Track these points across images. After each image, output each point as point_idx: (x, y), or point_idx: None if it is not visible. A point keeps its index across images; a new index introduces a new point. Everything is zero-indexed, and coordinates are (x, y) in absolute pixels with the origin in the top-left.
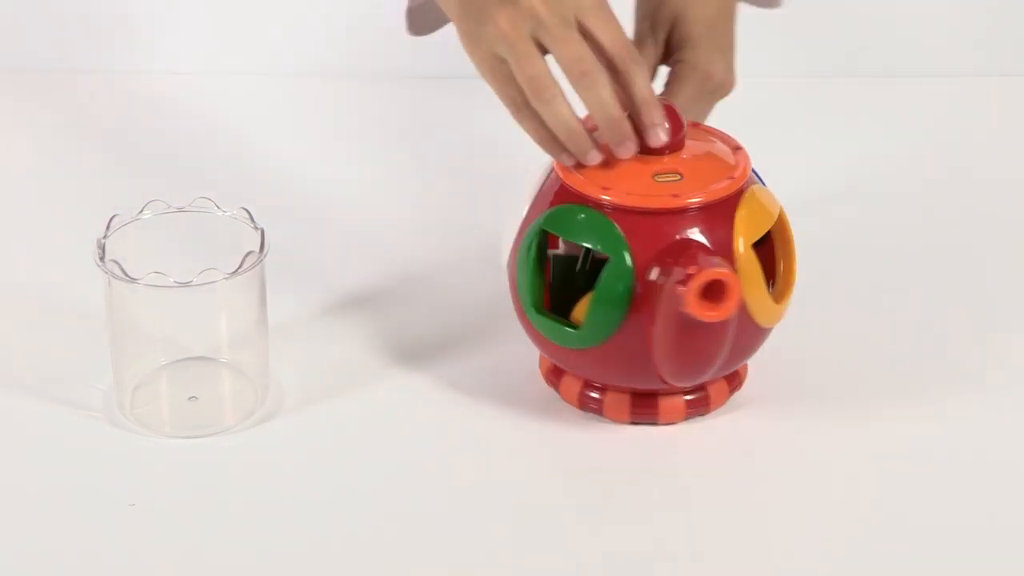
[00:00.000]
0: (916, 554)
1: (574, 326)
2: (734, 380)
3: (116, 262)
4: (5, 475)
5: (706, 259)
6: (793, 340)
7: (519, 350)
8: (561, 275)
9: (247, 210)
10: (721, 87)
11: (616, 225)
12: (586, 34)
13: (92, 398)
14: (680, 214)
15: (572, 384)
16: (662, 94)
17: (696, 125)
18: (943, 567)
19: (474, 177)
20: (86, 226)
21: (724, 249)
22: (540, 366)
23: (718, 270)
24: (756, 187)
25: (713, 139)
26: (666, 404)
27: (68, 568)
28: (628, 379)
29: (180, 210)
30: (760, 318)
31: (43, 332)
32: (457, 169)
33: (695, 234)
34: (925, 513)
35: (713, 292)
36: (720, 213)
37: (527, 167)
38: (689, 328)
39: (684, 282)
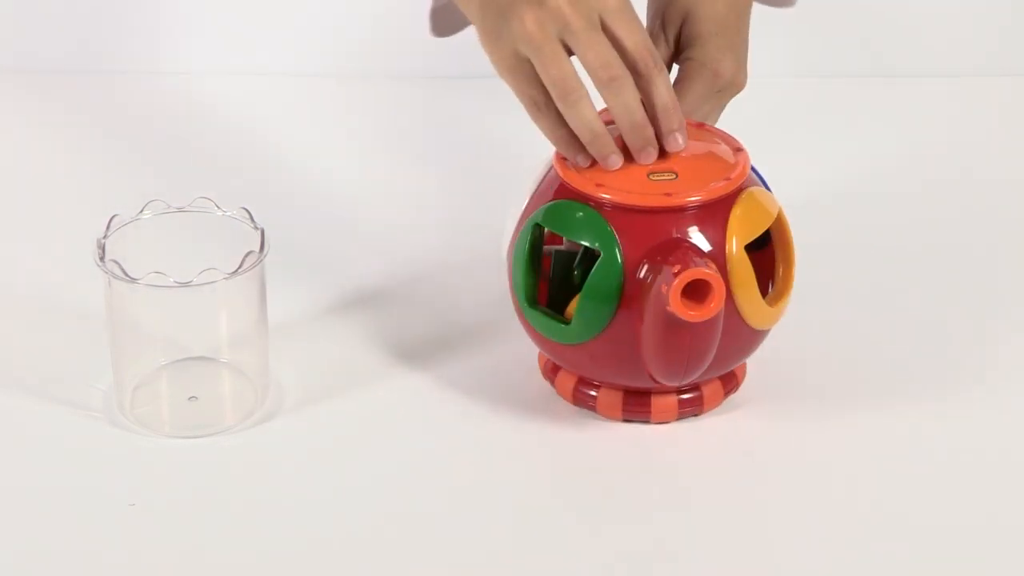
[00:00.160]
0: (916, 554)
1: (566, 321)
2: (730, 381)
3: (116, 262)
4: (5, 475)
5: (691, 259)
6: (793, 340)
7: (519, 350)
8: (561, 271)
9: (247, 210)
10: (731, 86)
11: (608, 222)
12: (610, 35)
13: (92, 398)
14: (674, 213)
15: (567, 380)
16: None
17: (701, 126)
18: (943, 567)
19: (475, 177)
20: (86, 226)
21: (717, 249)
22: (539, 361)
23: (702, 270)
24: (755, 188)
25: (716, 140)
26: (659, 403)
27: (68, 568)
28: (618, 376)
29: (180, 210)
30: (752, 320)
31: (43, 332)
32: (458, 169)
33: (688, 233)
34: (925, 513)
35: (697, 292)
36: (715, 213)
37: (532, 167)
38: (675, 327)
39: (668, 281)
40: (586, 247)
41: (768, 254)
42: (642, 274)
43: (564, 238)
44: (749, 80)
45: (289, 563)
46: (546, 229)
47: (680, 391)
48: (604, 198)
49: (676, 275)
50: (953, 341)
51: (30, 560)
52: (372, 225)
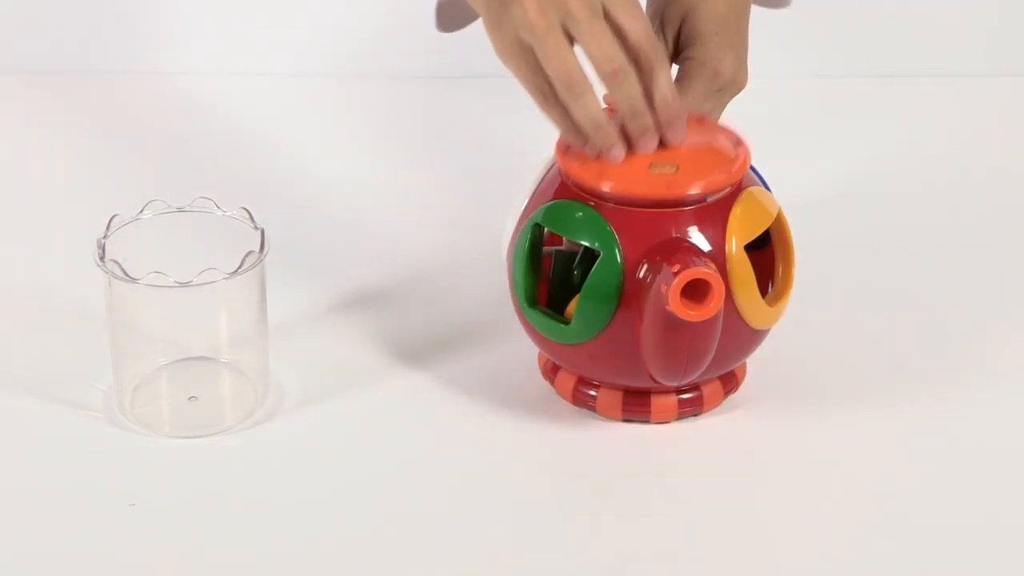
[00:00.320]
0: (916, 554)
1: (566, 321)
2: (730, 381)
3: (116, 262)
4: (5, 475)
5: (690, 258)
6: (793, 340)
7: (519, 349)
8: (562, 271)
9: (247, 210)
10: (731, 85)
11: (608, 222)
12: (612, 23)
13: (92, 398)
14: (674, 213)
15: (567, 380)
16: None
17: (701, 119)
18: (943, 567)
19: (476, 177)
20: (86, 226)
21: (717, 249)
22: (539, 361)
23: (701, 270)
24: (754, 188)
25: (716, 133)
26: (658, 402)
27: (68, 568)
28: (618, 376)
29: (180, 210)
30: (752, 320)
31: (43, 332)
32: (459, 169)
33: (688, 233)
34: (925, 513)
35: (696, 292)
36: (714, 212)
37: (533, 167)
38: (675, 327)
39: (668, 281)
40: (586, 247)
41: (768, 254)
42: (642, 274)
43: (564, 238)
44: (749, 80)
45: (289, 563)
46: (546, 229)
47: (680, 391)
48: (606, 191)
49: (676, 275)
50: (953, 341)
51: (30, 560)
52: (372, 225)
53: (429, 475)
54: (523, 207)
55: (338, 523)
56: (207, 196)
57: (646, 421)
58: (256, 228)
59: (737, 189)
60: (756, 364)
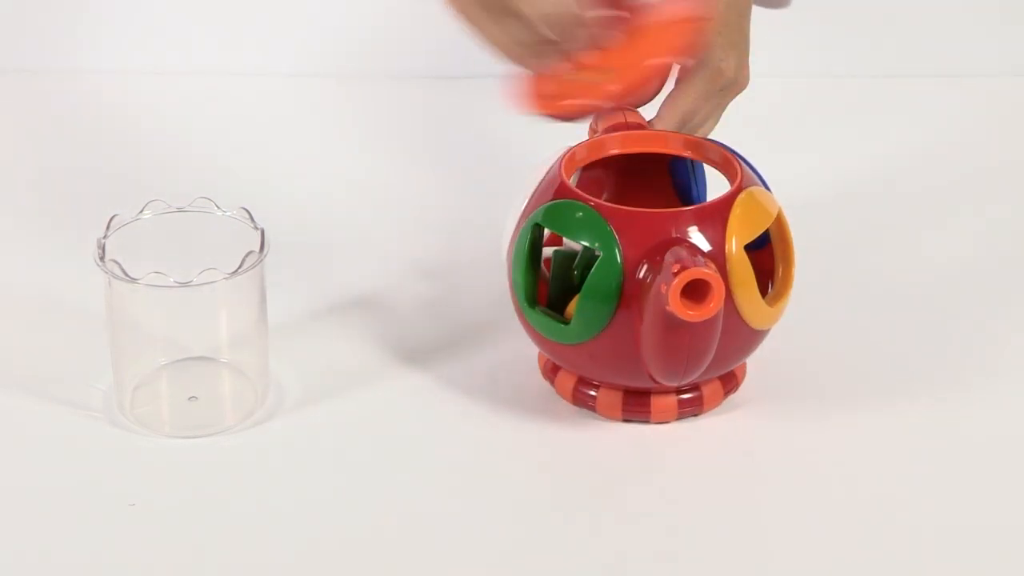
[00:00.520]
0: (916, 554)
1: (566, 321)
2: (730, 381)
3: (116, 262)
4: (5, 475)
5: (691, 258)
6: (793, 340)
7: (519, 349)
8: (562, 272)
9: (247, 210)
10: (734, 84)
11: (608, 222)
12: None
13: (92, 398)
14: (674, 213)
15: (567, 380)
16: (673, 91)
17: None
18: (943, 567)
19: (476, 177)
20: (86, 226)
21: (717, 249)
22: (539, 361)
23: (701, 270)
24: (754, 188)
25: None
26: (658, 403)
27: (68, 568)
28: (618, 376)
29: (180, 210)
30: (752, 320)
31: (43, 332)
32: (459, 169)
33: (688, 233)
34: (925, 513)
35: (696, 292)
36: (715, 213)
37: (533, 166)
38: (675, 327)
39: (668, 281)
40: (586, 247)
41: (768, 254)
42: (641, 274)
43: (564, 238)
44: (751, 80)
45: (289, 563)
46: (546, 229)
47: (680, 391)
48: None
49: (675, 275)
50: (953, 341)
51: (30, 560)
52: (372, 225)
53: (429, 475)
54: (523, 207)
55: (338, 523)
56: (207, 196)
57: (646, 421)
58: (256, 228)
59: (737, 189)
60: (756, 364)
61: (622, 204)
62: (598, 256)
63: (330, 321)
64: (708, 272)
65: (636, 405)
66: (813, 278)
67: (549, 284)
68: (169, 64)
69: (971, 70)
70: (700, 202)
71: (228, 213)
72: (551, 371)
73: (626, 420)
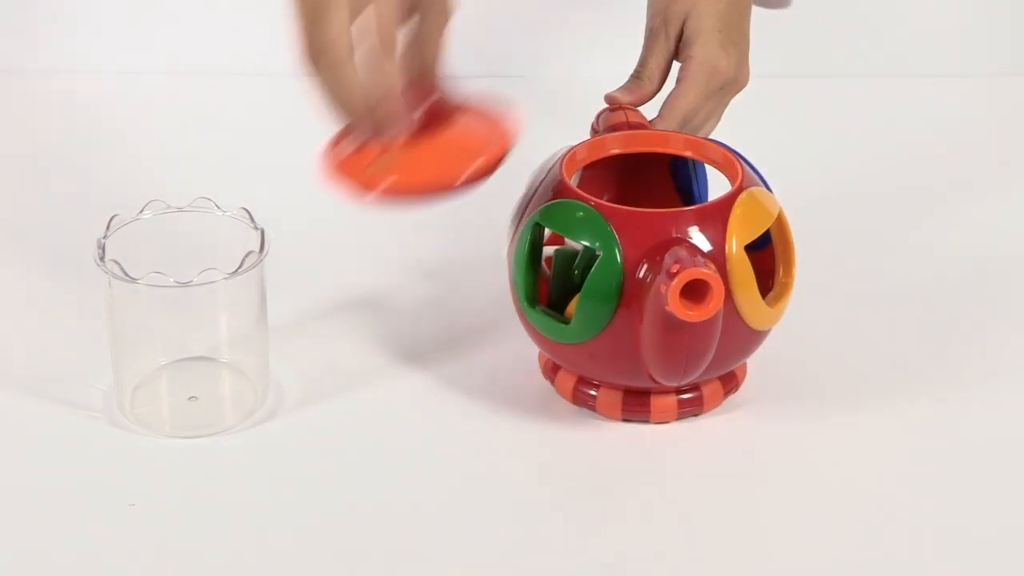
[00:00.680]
0: (916, 554)
1: (566, 321)
2: (730, 381)
3: (116, 262)
4: (5, 475)
5: (690, 259)
6: (793, 340)
7: (519, 349)
8: (562, 271)
9: (247, 210)
10: (734, 83)
11: (608, 222)
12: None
13: (92, 398)
14: (674, 213)
15: (567, 380)
16: (673, 91)
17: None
18: (943, 567)
19: None
20: (86, 226)
21: (717, 249)
22: (539, 361)
23: (701, 270)
24: (755, 188)
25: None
26: (658, 403)
27: (68, 568)
28: (618, 376)
29: (180, 210)
30: (752, 320)
31: (43, 332)
32: None
33: (688, 233)
34: (925, 513)
35: (696, 292)
36: (715, 213)
37: (534, 166)
38: (675, 327)
39: (667, 281)
40: (586, 246)
41: (768, 254)
42: (641, 274)
43: (564, 238)
44: (751, 80)
45: (289, 563)
46: (546, 229)
47: (680, 391)
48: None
49: (675, 275)
50: (953, 341)
51: (30, 560)
52: (372, 225)
53: (429, 475)
54: (523, 207)
55: (338, 523)
56: (207, 196)
57: (646, 421)
58: (256, 228)
59: (738, 189)
60: (756, 364)
61: (623, 204)
62: (598, 256)
63: (330, 321)
64: (707, 272)
65: (636, 405)
66: (813, 278)
67: (549, 283)
68: (169, 64)
69: (971, 70)
70: (701, 202)
71: (228, 213)
72: (551, 371)
73: (626, 420)
